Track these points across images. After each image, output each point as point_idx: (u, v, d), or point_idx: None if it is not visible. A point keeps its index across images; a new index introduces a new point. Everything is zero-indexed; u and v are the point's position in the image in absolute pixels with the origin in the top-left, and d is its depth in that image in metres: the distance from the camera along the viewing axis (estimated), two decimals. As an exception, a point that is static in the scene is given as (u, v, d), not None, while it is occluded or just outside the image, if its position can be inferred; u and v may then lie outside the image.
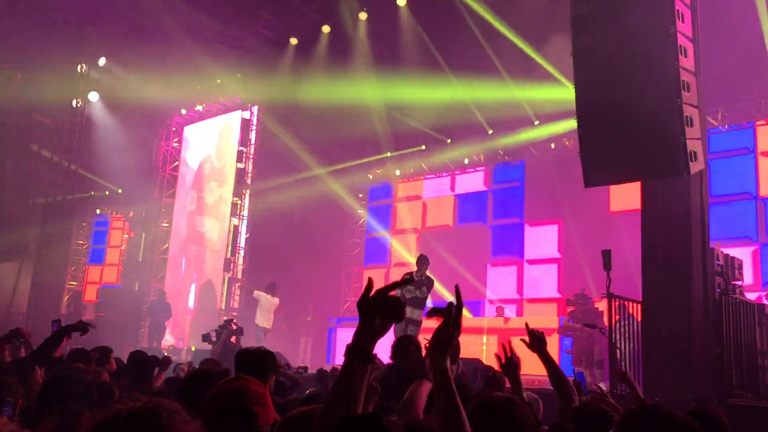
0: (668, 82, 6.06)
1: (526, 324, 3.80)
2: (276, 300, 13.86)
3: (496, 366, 4.96)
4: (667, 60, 6.11)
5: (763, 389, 7.41)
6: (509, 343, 3.74)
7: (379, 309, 1.76)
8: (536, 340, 3.69)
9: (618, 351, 7.39)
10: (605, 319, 8.66)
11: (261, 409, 1.86)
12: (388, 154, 17.59)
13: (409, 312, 9.73)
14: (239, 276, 17.88)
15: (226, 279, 17.43)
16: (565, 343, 11.68)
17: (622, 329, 7.45)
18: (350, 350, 1.78)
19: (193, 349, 15.72)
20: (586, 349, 10.70)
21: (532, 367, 4.32)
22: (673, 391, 6.47)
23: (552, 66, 13.01)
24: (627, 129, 6.18)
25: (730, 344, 6.98)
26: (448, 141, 16.66)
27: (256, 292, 13.98)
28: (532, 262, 15.35)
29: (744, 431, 5.66)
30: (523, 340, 3.73)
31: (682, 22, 6.32)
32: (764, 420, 5.73)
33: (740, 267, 7.99)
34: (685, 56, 6.25)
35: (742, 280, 8.02)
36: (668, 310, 6.79)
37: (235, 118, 18.72)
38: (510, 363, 3.70)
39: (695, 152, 6.13)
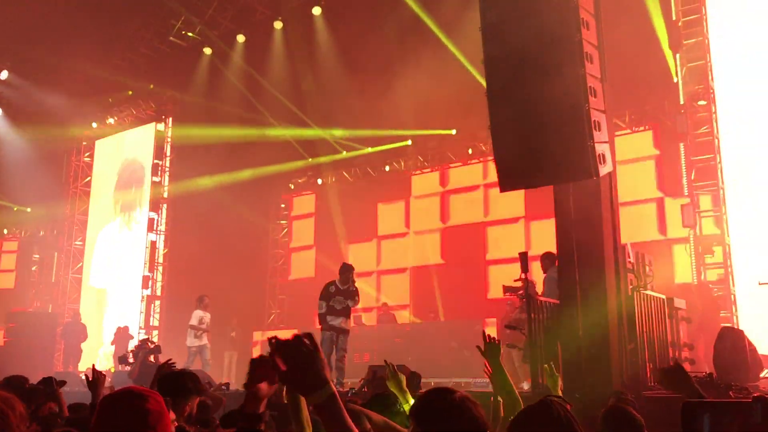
0: (576, 89, 6.25)
1: (483, 332, 3.82)
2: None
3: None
4: (573, 67, 6.29)
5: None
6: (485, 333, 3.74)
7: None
8: (491, 349, 3.65)
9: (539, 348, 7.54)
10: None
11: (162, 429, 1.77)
12: (310, 160, 17.52)
13: (341, 322, 9.80)
14: (158, 293, 17.35)
15: (145, 296, 16.87)
16: None
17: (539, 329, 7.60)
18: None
19: (112, 371, 15.15)
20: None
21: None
22: (592, 387, 6.63)
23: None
24: (538, 135, 6.34)
25: (643, 338, 7.24)
26: (368, 149, 16.73)
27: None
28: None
29: (660, 422, 5.87)
30: (479, 347, 3.70)
31: (587, 29, 6.54)
32: (677, 410, 5.94)
33: (650, 263, 8.32)
34: (591, 63, 6.46)
35: (653, 275, 8.35)
36: (584, 307, 6.97)
37: (148, 130, 18.17)
38: (492, 347, 3.62)
39: (604, 155, 6.34)
